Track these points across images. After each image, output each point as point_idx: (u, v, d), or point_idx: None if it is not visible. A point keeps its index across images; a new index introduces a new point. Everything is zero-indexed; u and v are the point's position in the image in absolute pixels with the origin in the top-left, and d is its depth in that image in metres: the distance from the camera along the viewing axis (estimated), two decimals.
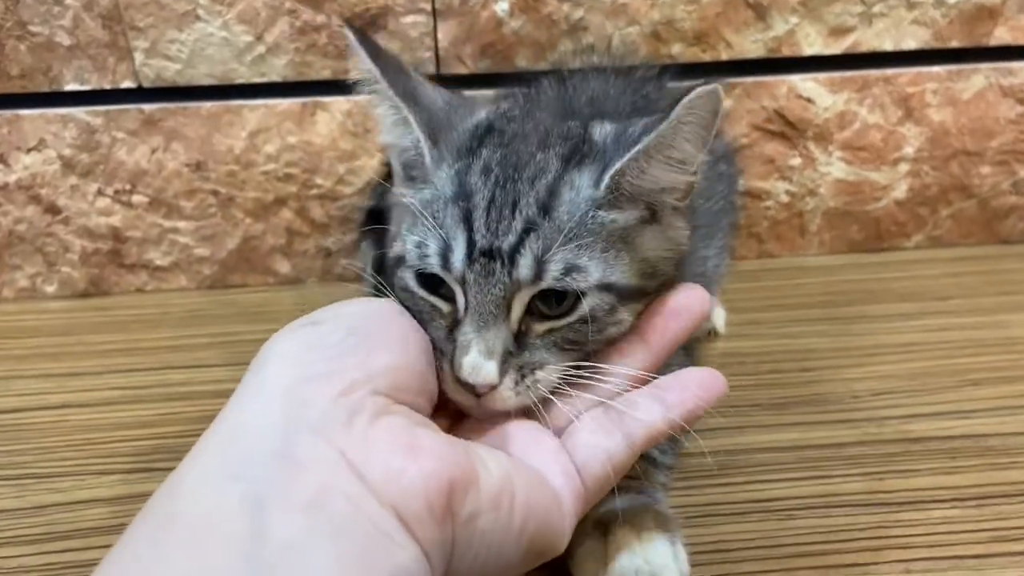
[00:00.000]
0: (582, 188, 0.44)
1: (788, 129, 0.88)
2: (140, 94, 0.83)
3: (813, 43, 0.85)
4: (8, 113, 0.83)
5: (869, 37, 0.85)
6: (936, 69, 0.87)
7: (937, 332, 0.73)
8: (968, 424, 0.61)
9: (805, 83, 0.87)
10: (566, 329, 0.44)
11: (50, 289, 0.89)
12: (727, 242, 0.73)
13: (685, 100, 0.42)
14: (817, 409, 0.63)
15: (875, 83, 0.87)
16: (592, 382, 0.44)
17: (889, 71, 0.87)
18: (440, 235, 0.44)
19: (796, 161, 0.89)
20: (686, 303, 0.47)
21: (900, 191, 0.91)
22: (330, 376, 0.37)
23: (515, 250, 0.42)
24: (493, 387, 0.42)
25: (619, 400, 0.44)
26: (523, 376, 0.43)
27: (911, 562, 0.49)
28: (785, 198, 0.91)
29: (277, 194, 0.87)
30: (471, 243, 0.43)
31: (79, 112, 0.84)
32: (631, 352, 0.46)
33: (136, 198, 0.87)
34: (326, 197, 0.88)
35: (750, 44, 0.85)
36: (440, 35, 0.83)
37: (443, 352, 0.44)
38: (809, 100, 0.87)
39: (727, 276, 0.76)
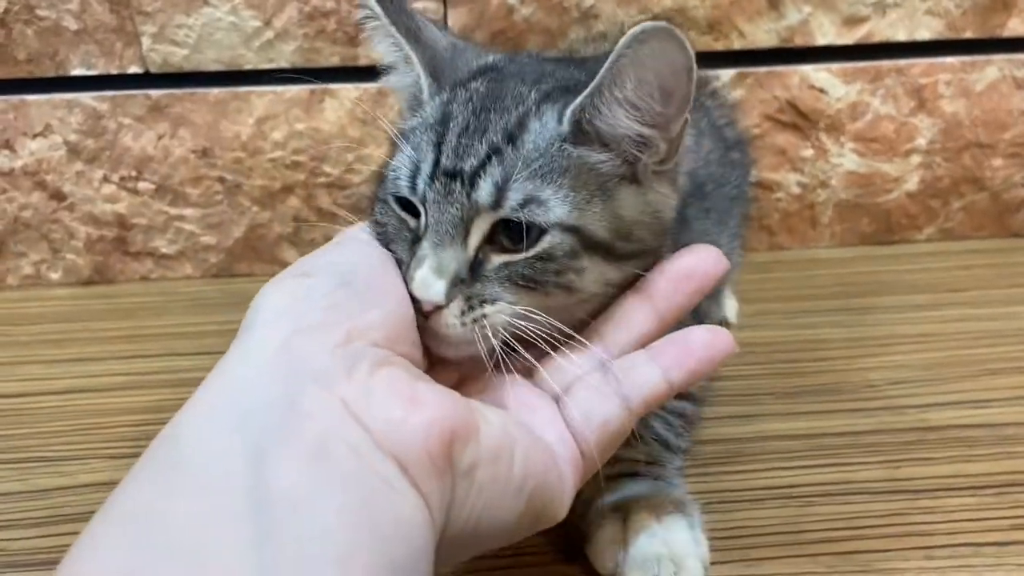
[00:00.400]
0: (549, 122, 0.43)
1: (800, 120, 0.88)
2: (147, 79, 0.83)
3: (826, 33, 0.85)
4: (14, 98, 0.83)
5: (883, 27, 0.85)
6: (949, 60, 0.86)
7: (952, 323, 0.73)
8: (985, 413, 0.60)
9: (818, 73, 0.86)
10: (522, 263, 0.42)
11: (55, 276, 0.89)
12: (740, 231, 0.72)
13: (624, 38, 0.40)
14: (833, 398, 0.62)
15: (888, 74, 0.86)
16: (542, 337, 0.43)
17: (902, 62, 0.86)
18: (413, 157, 0.44)
19: (808, 152, 0.89)
20: (698, 264, 0.45)
21: (912, 183, 0.90)
22: (326, 327, 0.37)
23: (476, 173, 0.42)
24: (439, 307, 0.41)
25: (617, 362, 0.43)
26: (471, 307, 0.42)
27: (932, 549, 0.49)
28: (797, 190, 0.90)
29: (284, 182, 0.86)
30: (436, 163, 0.43)
31: (86, 97, 0.83)
32: (633, 313, 0.45)
33: (142, 185, 0.86)
34: (334, 185, 0.87)
35: (763, 33, 0.85)
36: (451, 22, 0.82)
37: (403, 266, 0.43)
38: (822, 90, 0.87)
39: (740, 267, 0.75)
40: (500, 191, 0.42)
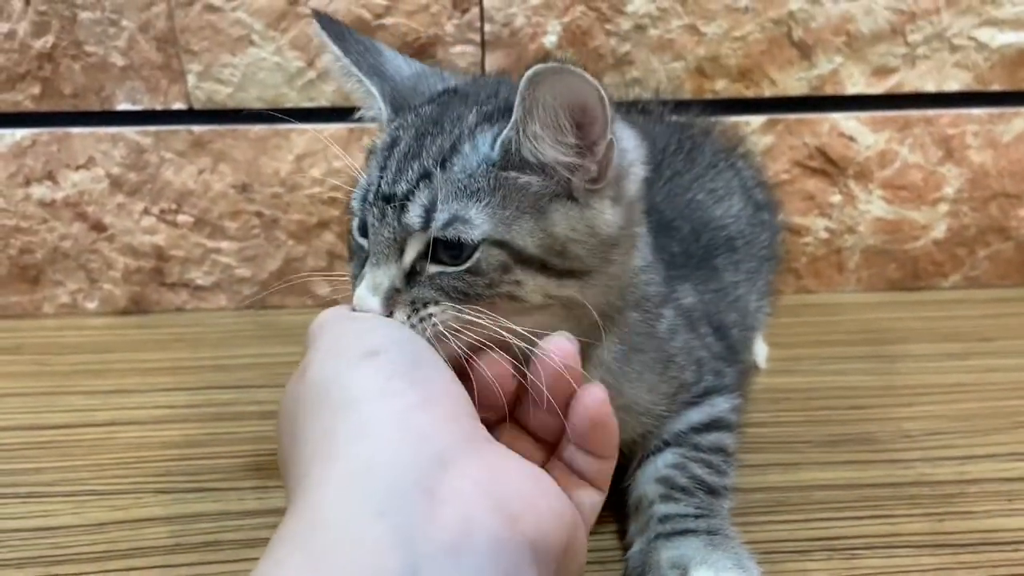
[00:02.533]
0: (481, 146, 0.45)
1: (829, 166, 0.89)
2: (190, 115, 0.84)
3: (856, 82, 0.86)
4: (59, 131, 0.84)
5: (912, 78, 0.87)
6: (977, 111, 0.88)
7: (984, 373, 0.73)
8: (1023, 467, 0.61)
9: (847, 121, 0.88)
10: (454, 277, 0.45)
11: (91, 306, 0.90)
12: (770, 289, 0.73)
13: (522, 81, 0.42)
14: (870, 448, 0.63)
15: (916, 123, 0.88)
16: (488, 328, 0.44)
17: (931, 112, 0.88)
18: (363, 182, 0.48)
19: (836, 198, 0.90)
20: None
21: (939, 231, 0.91)
22: (429, 404, 0.38)
23: (406, 197, 0.45)
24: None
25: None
26: (415, 310, 0.45)
27: None
28: (824, 235, 0.91)
29: (320, 217, 0.88)
30: (377, 188, 0.46)
31: (129, 131, 0.84)
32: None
33: (181, 218, 0.87)
34: None
35: (794, 82, 0.86)
36: (488, 65, 0.84)
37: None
38: (851, 138, 0.88)
39: (767, 319, 0.76)
40: (427, 213, 0.44)
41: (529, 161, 0.44)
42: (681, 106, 0.80)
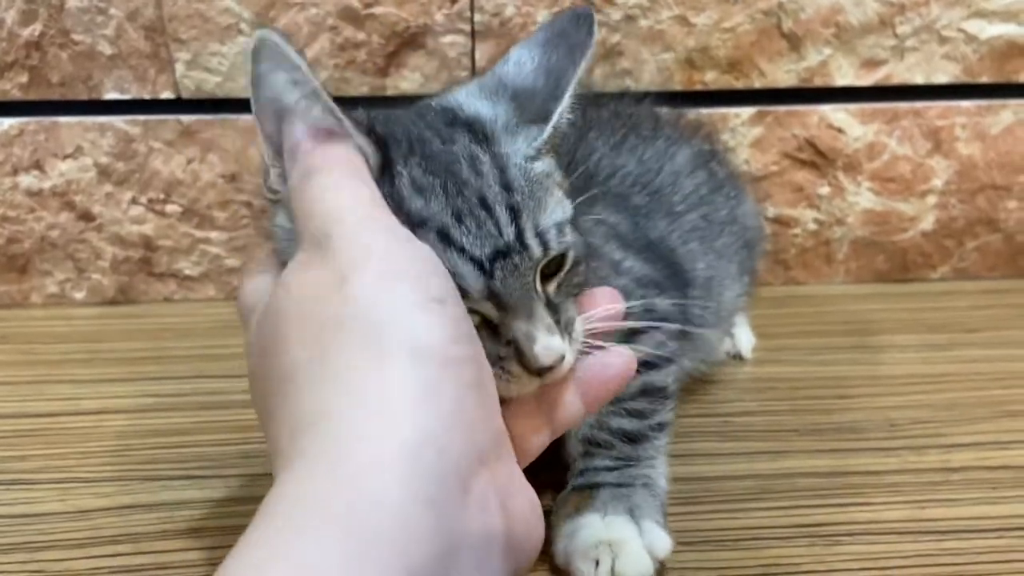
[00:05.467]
0: (513, 156, 0.42)
1: (818, 158, 0.89)
2: (179, 105, 0.84)
3: (845, 74, 0.87)
4: (47, 120, 0.84)
5: (901, 70, 0.87)
6: (966, 104, 0.88)
7: (969, 363, 0.74)
8: (1007, 455, 0.61)
9: (836, 113, 0.88)
10: (569, 276, 0.43)
11: (79, 296, 0.89)
12: (747, 269, 0.74)
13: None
14: (856, 436, 0.63)
15: (905, 115, 0.88)
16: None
17: (919, 104, 0.88)
18: (448, 264, 0.39)
19: (825, 190, 0.90)
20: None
21: (927, 223, 0.92)
22: (480, 388, 0.35)
23: (520, 238, 0.40)
24: (563, 358, 0.41)
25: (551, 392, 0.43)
26: (568, 333, 0.42)
27: None
28: (813, 226, 0.92)
29: None
30: (482, 261, 0.40)
31: (118, 121, 0.84)
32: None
33: (170, 207, 0.87)
34: None
35: (783, 73, 0.86)
36: (478, 55, 0.84)
37: (499, 368, 0.40)
38: (840, 130, 0.88)
39: (748, 301, 0.77)
40: (541, 238, 0.42)
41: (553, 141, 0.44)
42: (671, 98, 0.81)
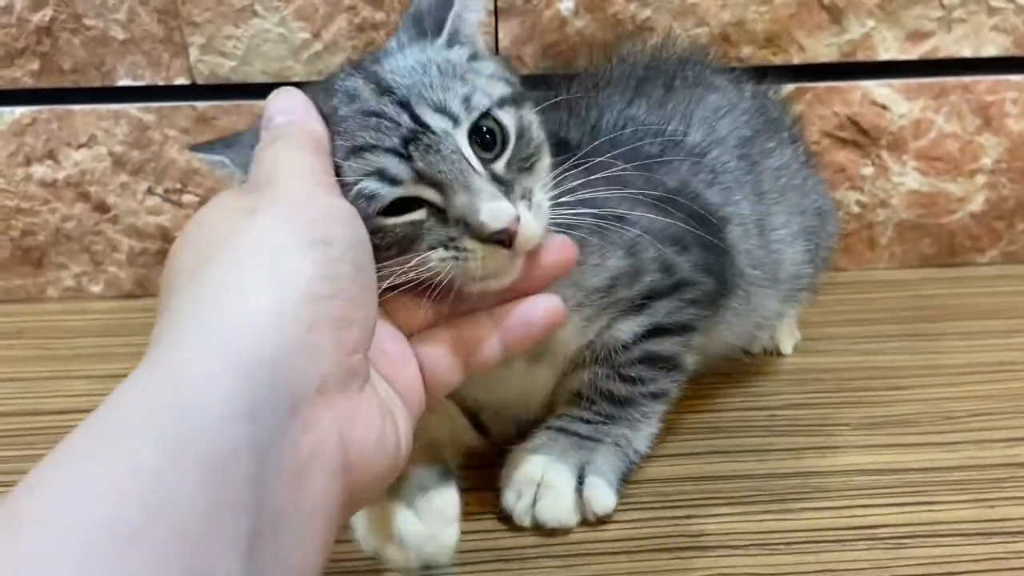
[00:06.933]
0: (408, 62, 0.46)
1: (861, 137, 0.85)
2: (193, 91, 0.81)
3: (889, 48, 0.82)
4: (59, 108, 0.81)
5: (948, 43, 0.82)
6: (1016, 78, 0.83)
7: None
8: None
9: (880, 89, 0.83)
10: (518, 152, 0.45)
11: (96, 289, 0.87)
12: (815, 241, 0.68)
13: None
14: (912, 430, 0.59)
15: (953, 90, 0.84)
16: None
17: (967, 78, 0.84)
18: (374, 167, 0.43)
19: (868, 170, 0.86)
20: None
21: (976, 204, 0.87)
22: (339, 326, 0.36)
23: (415, 120, 0.43)
24: (517, 219, 0.42)
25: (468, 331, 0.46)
26: (528, 200, 0.44)
27: None
28: (856, 209, 0.87)
29: None
30: (395, 149, 0.43)
31: (131, 108, 0.82)
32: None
33: (186, 197, 0.84)
34: None
35: (823, 48, 0.82)
36: (501, 34, 0.80)
37: (453, 247, 0.43)
38: (884, 107, 0.84)
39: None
40: (466, 102, 0.44)
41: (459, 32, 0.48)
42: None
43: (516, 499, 0.51)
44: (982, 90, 0.84)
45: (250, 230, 0.36)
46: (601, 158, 0.50)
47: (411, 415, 0.43)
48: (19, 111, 0.81)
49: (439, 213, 0.43)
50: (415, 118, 0.43)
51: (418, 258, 0.43)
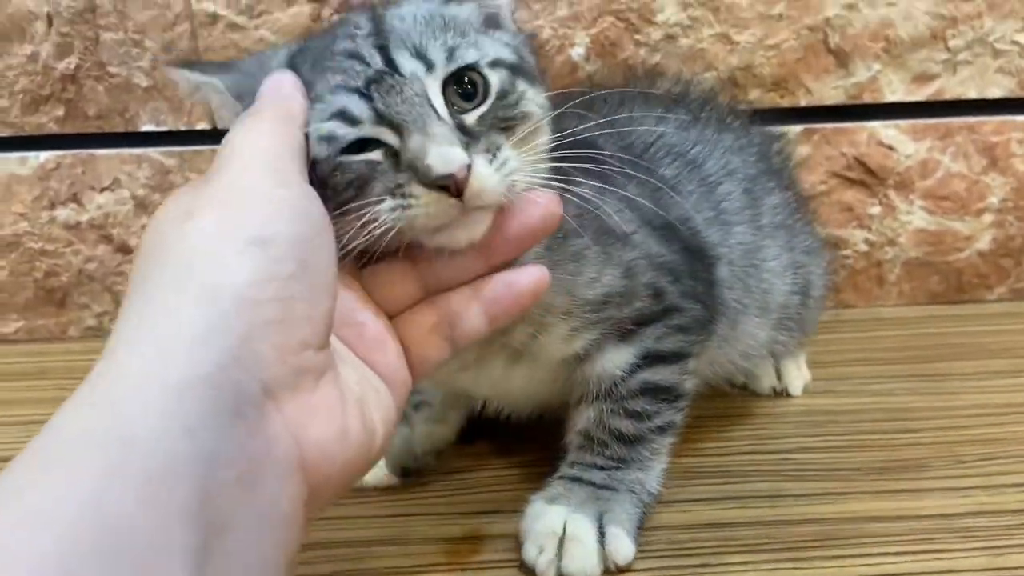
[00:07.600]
0: (403, 13, 0.46)
1: (868, 177, 0.86)
2: (215, 135, 0.83)
3: (896, 90, 0.84)
4: (83, 153, 0.84)
5: (953, 84, 0.84)
6: (1021, 118, 0.85)
7: None
8: None
9: (887, 130, 0.85)
10: (495, 109, 0.44)
11: None
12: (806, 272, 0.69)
13: None
14: (924, 475, 0.60)
15: (959, 131, 0.85)
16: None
17: (973, 119, 0.85)
18: (336, 108, 0.43)
19: (876, 210, 0.87)
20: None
21: (984, 242, 0.88)
22: (283, 327, 0.35)
23: (388, 63, 0.44)
24: (468, 167, 0.41)
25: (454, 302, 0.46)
26: (492, 154, 0.43)
27: None
28: (864, 247, 0.89)
29: None
30: (358, 89, 0.43)
31: (154, 152, 0.84)
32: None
33: None
34: None
35: (830, 91, 0.84)
36: None
37: (400, 195, 0.42)
38: (890, 147, 0.85)
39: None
40: (425, 55, 0.44)
41: None
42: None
43: (538, 553, 0.51)
44: (988, 131, 0.85)
45: (184, 239, 0.35)
46: (610, 160, 0.51)
47: (396, 395, 0.43)
48: (44, 156, 0.83)
49: (394, 157, 0.43)
50: (388, 61, 0.43)
51: (369, 213, 0.42)
